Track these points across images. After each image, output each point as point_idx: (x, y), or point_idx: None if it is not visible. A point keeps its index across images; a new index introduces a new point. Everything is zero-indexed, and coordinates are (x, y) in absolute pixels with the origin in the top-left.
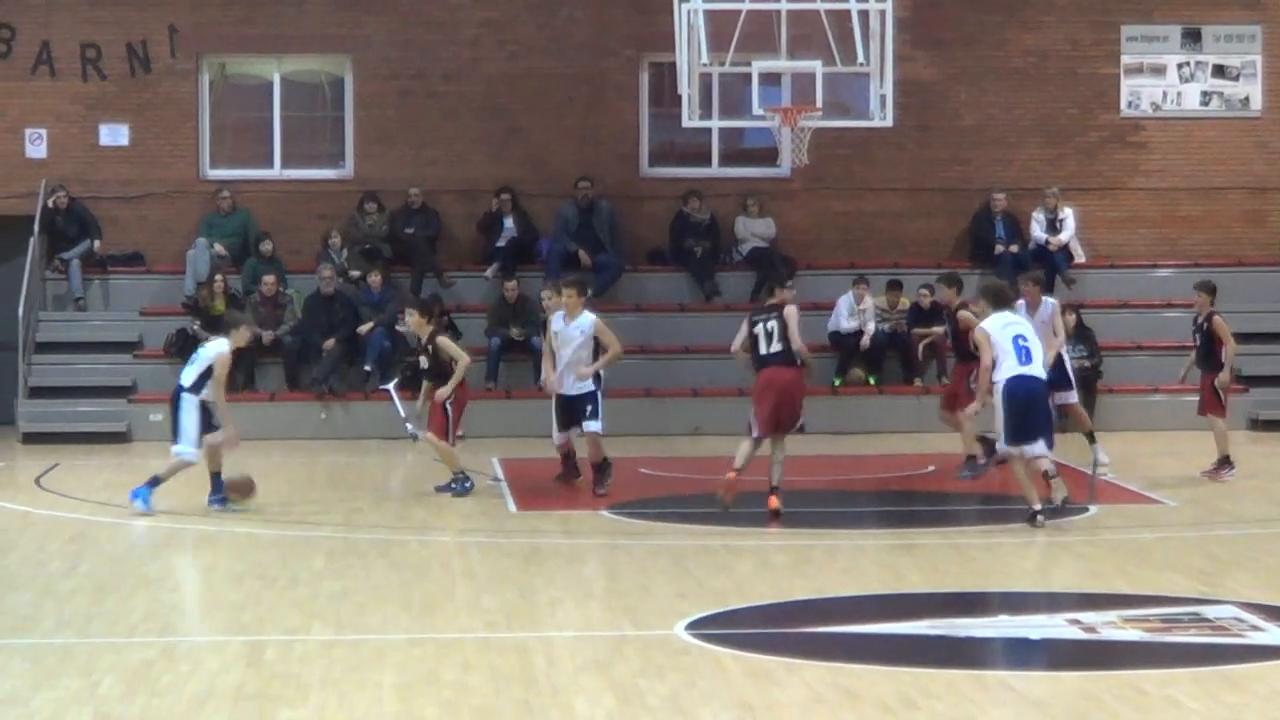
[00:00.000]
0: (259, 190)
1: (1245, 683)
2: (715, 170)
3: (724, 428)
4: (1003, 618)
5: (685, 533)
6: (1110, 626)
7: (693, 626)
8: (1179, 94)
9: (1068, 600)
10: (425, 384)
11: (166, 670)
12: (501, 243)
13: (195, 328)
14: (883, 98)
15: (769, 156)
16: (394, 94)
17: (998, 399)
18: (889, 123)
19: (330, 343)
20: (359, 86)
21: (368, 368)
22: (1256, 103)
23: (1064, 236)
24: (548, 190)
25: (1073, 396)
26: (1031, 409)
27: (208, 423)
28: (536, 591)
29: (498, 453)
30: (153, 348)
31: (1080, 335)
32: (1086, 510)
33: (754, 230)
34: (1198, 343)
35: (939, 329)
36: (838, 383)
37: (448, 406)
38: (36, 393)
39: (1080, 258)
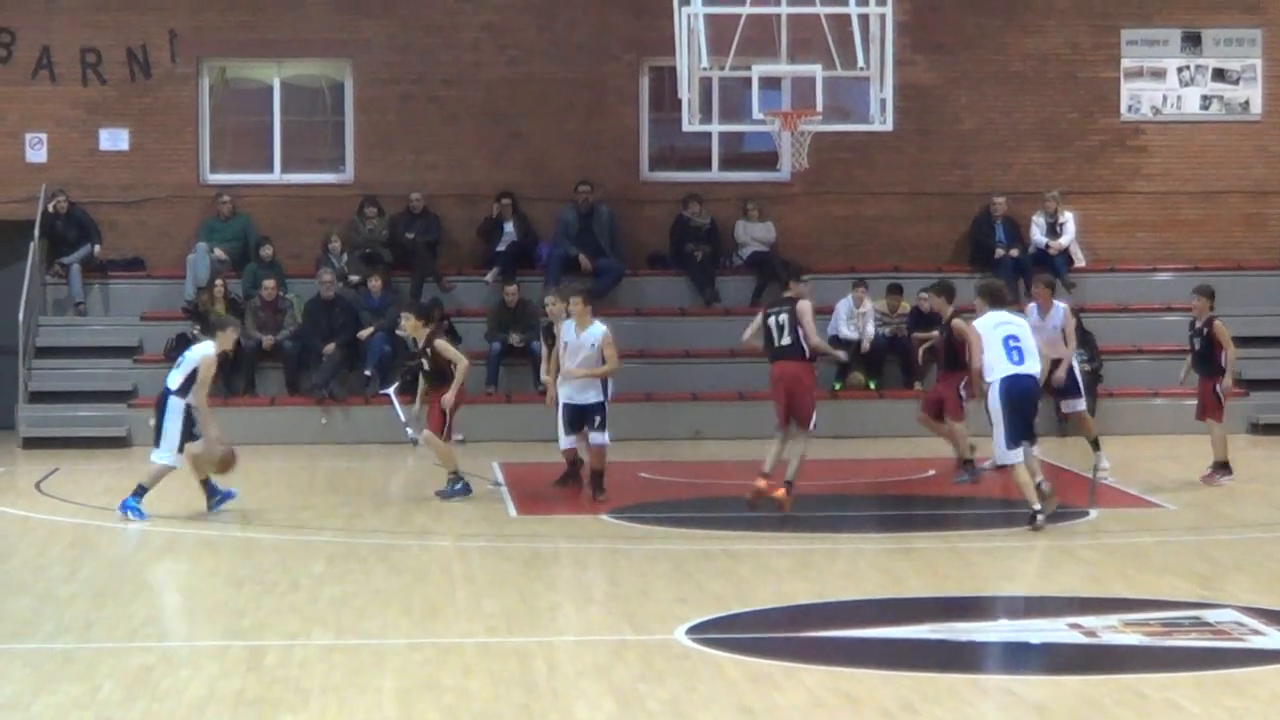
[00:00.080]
0: (259, 195)
1: (1246, 687)
2: (715, 174)
3: (724, 432)
4: (1003, 622)
5: (685, 537)
6: (1111, 630)
7: (693, 631)
8: (1179, 98)
9: (1068, 604)
10: (423, 385)
11: (167, 675)
12: (502, 247)
13: (195, 332)
14: (883, 102)
15: (769, 161)
16: (394, 98)
17: (994, 402)
18: (889, 127)
19: (330, 347)
20: (359, 91)
21: (368, 372)
22: (1256, 106)
23: (1064, 240)
24: (548, 194)
25: (1081, 404)
26: (1026, 408)
27: (190, 430)
28: (537, 596)
29: (498, 457)
30: (153, 352)
31: (1081, 339)
32: (1087, 514)
33: (754, 234)
34: (1196, 347)
35: (938, 334)
36: (838, 386)
37: (443, 402)
38: (37, 398)
39: (1080, 262)
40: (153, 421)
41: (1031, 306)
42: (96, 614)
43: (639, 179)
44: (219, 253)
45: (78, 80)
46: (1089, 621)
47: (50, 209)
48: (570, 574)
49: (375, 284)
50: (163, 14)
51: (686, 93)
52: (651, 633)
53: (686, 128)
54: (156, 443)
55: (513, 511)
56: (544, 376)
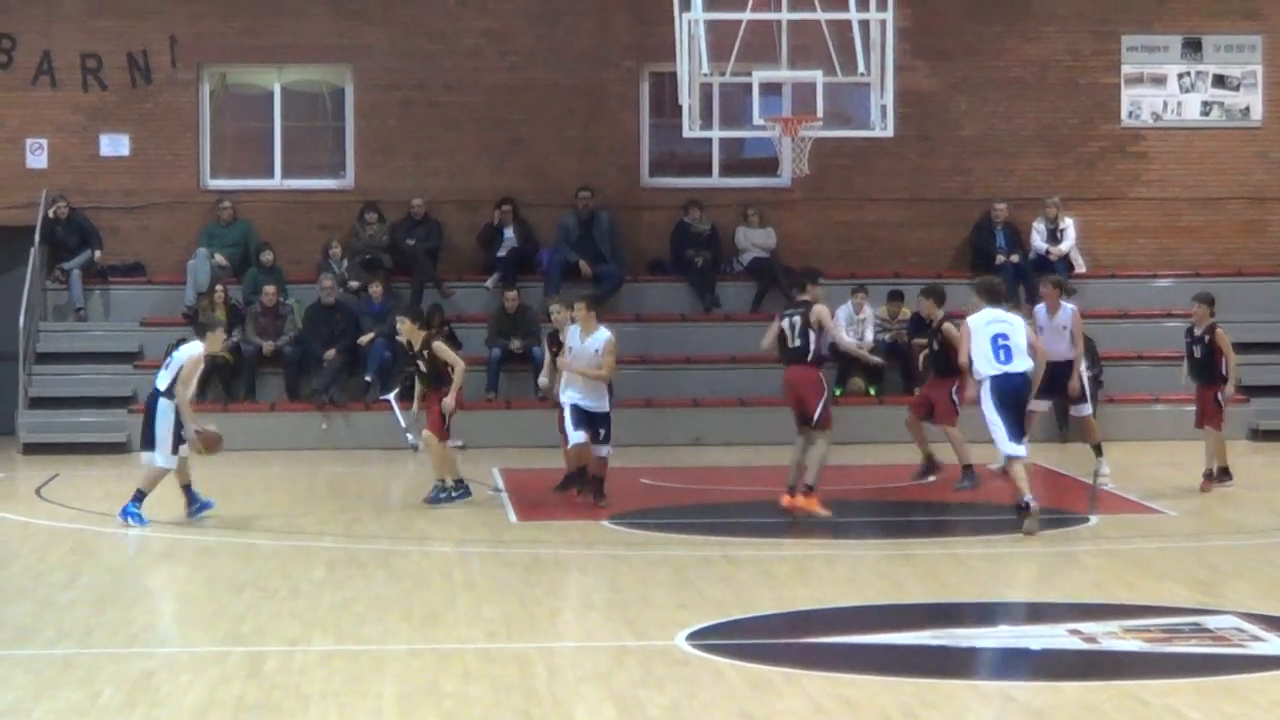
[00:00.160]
0: (259, 200)
1: (1246, 693)
2: (716, 180)
3: (725, 438)
4: (1003, 628)
5: (686, 543)
6: (1111, 637)
7: (693, 637)
8: (1179, 104)
9: (1068, 610)
10: (419, 388)
11: (167, 681)
12: (502, 253)
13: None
14: (883, 108)
15: (770, 166)
16: (395, 104)
17: (985, 403)
18: (890, 133)
19: (331, 353)
20: (360, 96)
21: (368, 378)
22: (1257, 113)
23: (1064, 246)
24: (548, 200)
25: (1087, 409)
26: (1015, 406)
27: (180, 431)
28: (537, 602)
29: (498, 463)
30: (153, 358)
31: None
32: (1087, 520)
33: (754, 240)
34: (1197, 355)
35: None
36: (838, 392)
37: (442, 404)
38: (37, 403)
39: (1081, 268)
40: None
41: (1039, 308)
42: (97, 620)
43: (639, 185)
44: (219, 258)
45: (78, 86)
46: (1089, 627)
47: (51, 214)
48: (570, 580)
49: (376, 290)
50: (163, 20)
51: (687, 98)
52: (652, 639)
53: (687, 133)
54: (147, 445)
55: (513, 517)
56: (542, 379)
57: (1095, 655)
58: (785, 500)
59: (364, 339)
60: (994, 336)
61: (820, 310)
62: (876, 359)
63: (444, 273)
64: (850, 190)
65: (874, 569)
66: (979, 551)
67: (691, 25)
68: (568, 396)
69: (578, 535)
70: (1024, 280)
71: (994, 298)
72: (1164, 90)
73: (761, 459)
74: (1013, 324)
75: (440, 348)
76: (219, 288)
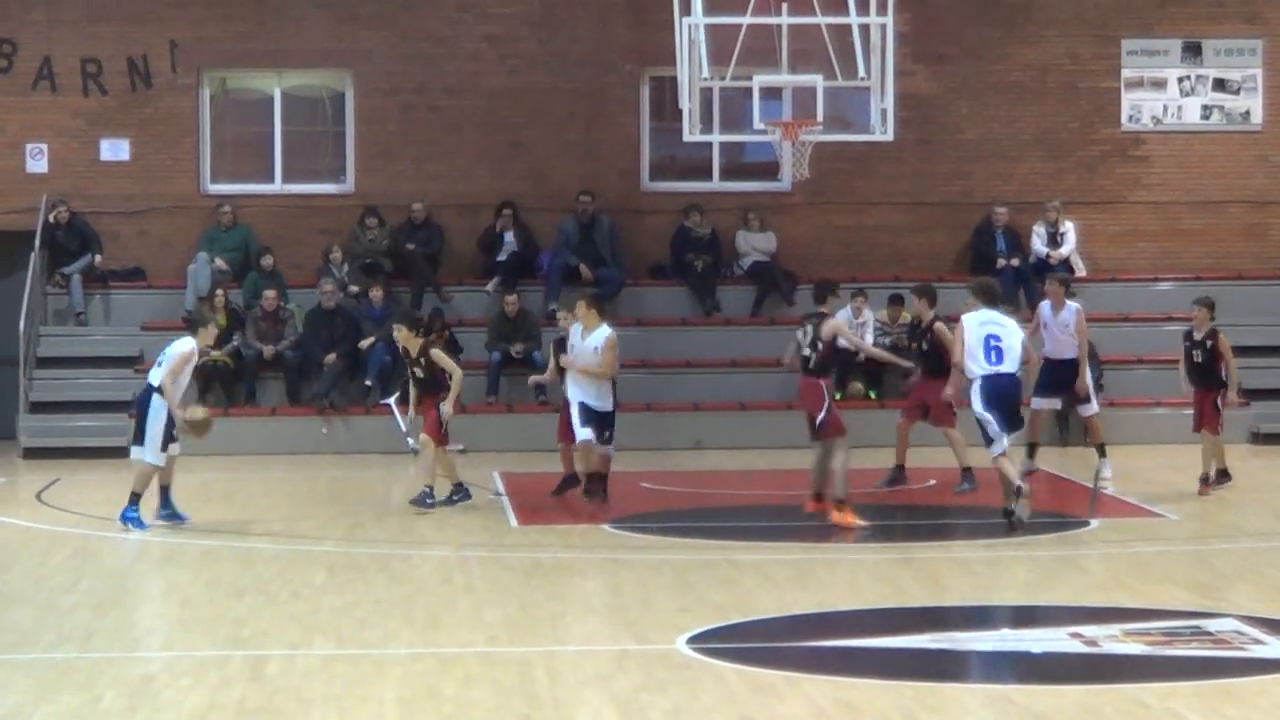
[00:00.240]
0: (260, 205)
1: (1247, 696)
2: (716, 184)
3: (725, 442)
4: (1004, 631)
5: (686, 547)
6: (1112, 640)
7: (694, 640)
8: (1179, 108)
9: (1069, 613)
10: (415, 393)
11: (168, 685)
12: (502, 257)
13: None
14: (884, 112)
15: (770, 171)
16: (395, 108)
17: (976, 403)
18: (890, 137)
19: (331, 357)
20: (360, 101)
21: (369, 382)
22: (1257, 116)
23: (1065, 250)
24: (549, 204)
25: (1093, 409)
26: (1007, 406)
27: (170, 431)
28: (538, 606)
29: (498, 467)
30: (153, 362)
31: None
32: (1088, 524)
33: (755, 244)
34: (1198, 359)
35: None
36: (838, 396)
37: (441, 406)
38: (37, 408)
39: (1081, 271)
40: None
41: (1043, 305)
42: (97, 624)
43: (640, 189)
44: (220, 263)
45: (78, 91)
46: (1090, 631)
47: (51, 219)
48: (571, 584)
49: (376, 294)
50: (163, 24)
51: (687, 103)
52: (653, 642)
53: (687, 138)
54: (138, 440)
55: (514, 521)
56: (534, 378)
57: (1096, 658)
58: (810, 506)
59: (364, 343)
60: (986, 337)
61: (831, 325)
62: (908, 362)
63: (444, 277)
64: (850, 194)
65: (874, 572)
66: (979, 555)
67: (692, 29)
68: (573, 395)
69: (578, 539)
70: (1024, 284)
71: (990, 299)
72: (1164, 94)
73: (762, 463)
74: (1007, 326)
75: (438, 355)
76: (219, 292)
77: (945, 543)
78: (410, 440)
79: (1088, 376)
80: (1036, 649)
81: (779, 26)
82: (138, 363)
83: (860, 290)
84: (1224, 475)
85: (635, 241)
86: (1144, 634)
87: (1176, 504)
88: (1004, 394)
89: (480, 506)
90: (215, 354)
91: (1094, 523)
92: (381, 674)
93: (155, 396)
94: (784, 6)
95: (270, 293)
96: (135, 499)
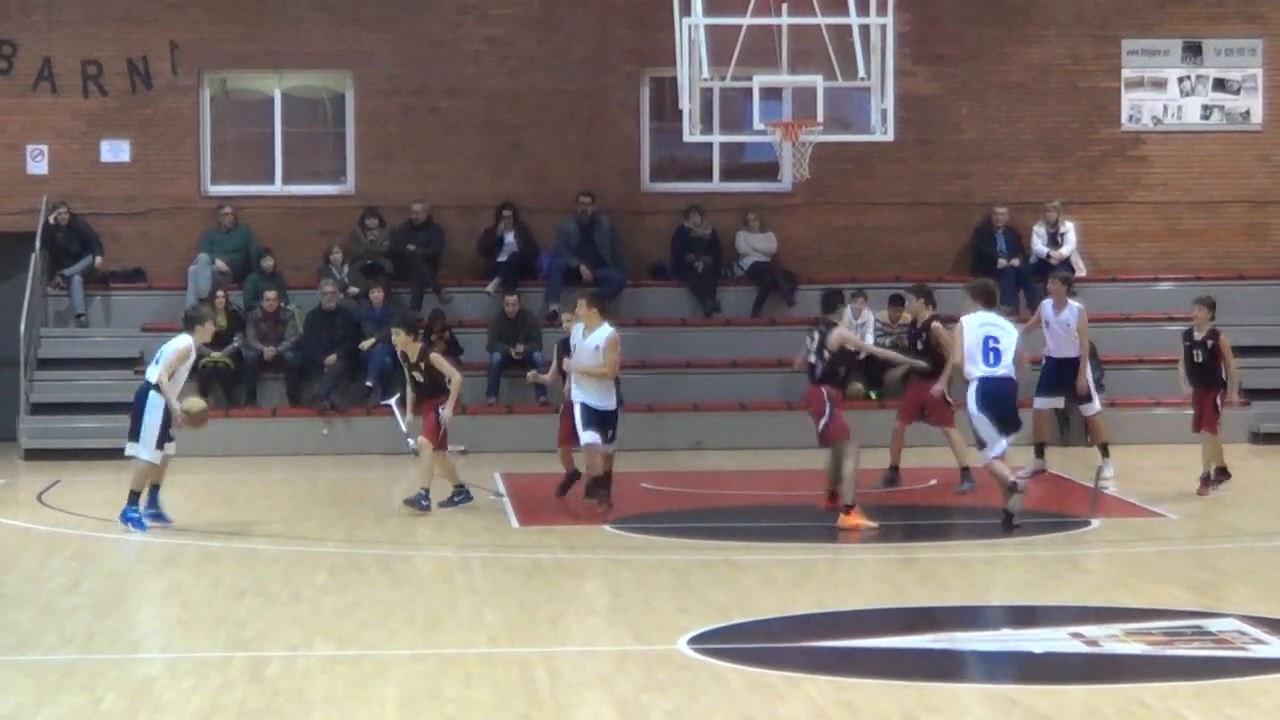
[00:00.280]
0: (260, 206)
1: (1248, 696)
2: (716, 185)
3: (725, 442)
4: (1005, 631)
5: (687, 547)
6: (1113, 640)
7: (695, 641)
8: (1180, 108)
9: (1070, 613)
10: (413, 396)
11: (169, 687)
12: (503, 258)
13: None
14: (884, 112)
15: (770, 171)
16: (395, 109)
17: (971, 404)
18: (890, 137)
19: (332, 358)
20: (360, 102)
21: (369, 383)
22: (1257, 116)
23: (1065, 250)
24: (549, 205)
25: (1095, 408)
26: (1003, 408)
27: (167, 430)
28: (539, 606)
29: (499, 467)
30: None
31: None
32: (1088, 524)
33: (755, 245)
34: (1199, 359)
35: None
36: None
37: (440, 412)
38: (38, 409)
39: (1081, 271)
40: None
41: (1045, 303)
42: (99, 625)
43: (640, 190)
44: (220, 264)
45: (79, 92)
46: (1091, 631)
47: (51, 221)
48: (572, 584)
49: (377, 295)
50: (163, 26)
51: (687, 103)
52: (654, 643)
53: (687, 138)
54: (133, 436)
55: (514, 522)
56: (543, 375)
57: (1097, 658)
58: (823, 504)
59: (365, 344)
60: (985, 338)
61: (838, 334)
62: (921, 363)
63: (445, 278)
64: (851, 195)
65: (875, 572)
66: (980, 555)
67: (692, 30)
68: (575, 395)
69: (579, 540)
70: (1024, 284)
71: (988, 300)
72: (1164, 94)
73: (762, 463)
74: (1004, 328)
75: (437, 359)
76: (220, 293)
77: (946, 543)
78: (411, 441)
79: (1089, 376)
80: (1037, 649)
81: (779, 27)
82: (138, 364)
83: (860, 291)
84: (1223, 473)
85: (635, 242)
86: (1145, 634)
87: (1177, 504)
88: (1001, 396)
89: (481, 507)
90: (216, 355)
91: (1095, 522)
92: (382, 675)
93: (152, 393)
94: (784, 7)
95: (271, 294)
96: (134, 498)
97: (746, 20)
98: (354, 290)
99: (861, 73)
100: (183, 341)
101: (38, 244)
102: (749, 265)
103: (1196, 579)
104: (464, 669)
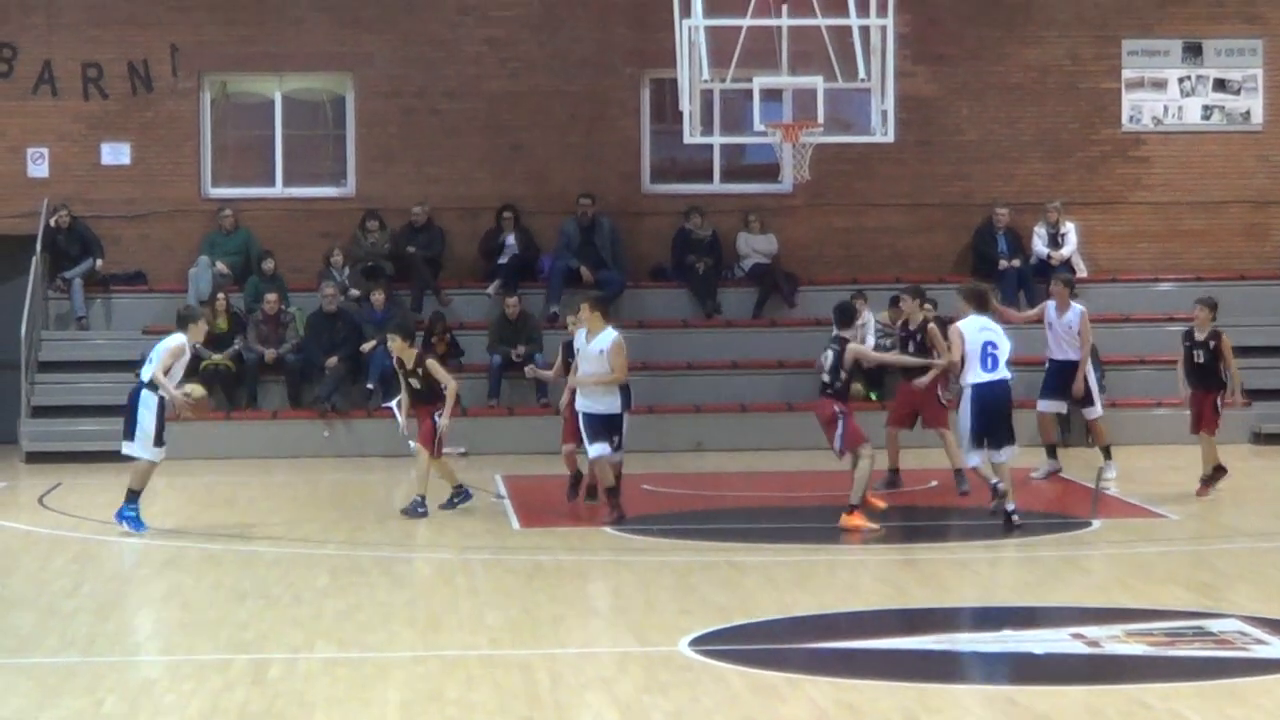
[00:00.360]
0: (261, 208)
1: (1249, 696)
2: (717, 186)
3: (726, 444)
4: (1006, 632)
5: (688, 549)
6: (1114, 640)
7: (696, 642)
8: (1180, 108)
9: (1071, 614)
10: (407, 401)
11: (170, 689)
12: (503, 260)
13: (198, 345)
14: (884, 113)
15: (770, 172)
16: (396, 112)
17: (965, 404)
18: (890, 138)
19: (333, 361)
20: (361, 104)
21: (370, 385)
22: (1258, 116)
23: (1066, 251)
24: (549, 207)
25: (1096, 411)
26: (998, 414)
27: (161, 430)
28: (540, 608)
29: (500, 469)
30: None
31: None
32: (1090, 525)
33: (756, 246)
34: (1200, 360)
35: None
36: None
37: (436, 418)
38: (39, 412)
39: (1082, 272)
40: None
41: (1049, 304)
42: (100, 628)
43: (640, 191)
44: (221, 267)
45: (79, 95)
46: (1092, 631)
47: (52, 224)
48: (573, 586)
49: (377, 297)
50: (164, 28)
51: (688, 105)
52: (655, 644)
53: (688, 140)
54: (128, 436)
55: (515, 524)
56: (544, 370)
57: (1098, 659)
58: (880, 501)
59: (366, 346)
60: (984, 344)
61: (853, 350)
62: (939, 362)
63: (445, 280)
64: (851, 196)
65: (876, 574)
66: (981, 556)
67: (692, 31)
68: (580, 405)
69: (580, 541)
70: (1025, 285)
71: (980, 304)
72: (1165, 94)
73: (763, 464)
74: (999, 332)
75: (433, 365)
76: (220, 296)
77: (946, 544)
78: (412, 443)
79: (1091, 379)
80: (1038, 650)
81: (779, 28)
82: (139, 367)
83: (860, 292)
84: (1220, 470)
85: (636, 244)
86: (1146, 634)
87: (1178, 504)
88: (998, 400)
89: (482, 509)
90: (217, 357)
91: (1096, 523)
92: (384, 677)
93: (145, 392)
94: (784, 8)
95: (271, 296)
96: (133, 497)
97: (746, 21)
98: (355, 292)
99: (862, 74)
100: (175, 340)
101: (38, 247)
102: (749, 266)
103: (1197, 580)
104: (465, 671)
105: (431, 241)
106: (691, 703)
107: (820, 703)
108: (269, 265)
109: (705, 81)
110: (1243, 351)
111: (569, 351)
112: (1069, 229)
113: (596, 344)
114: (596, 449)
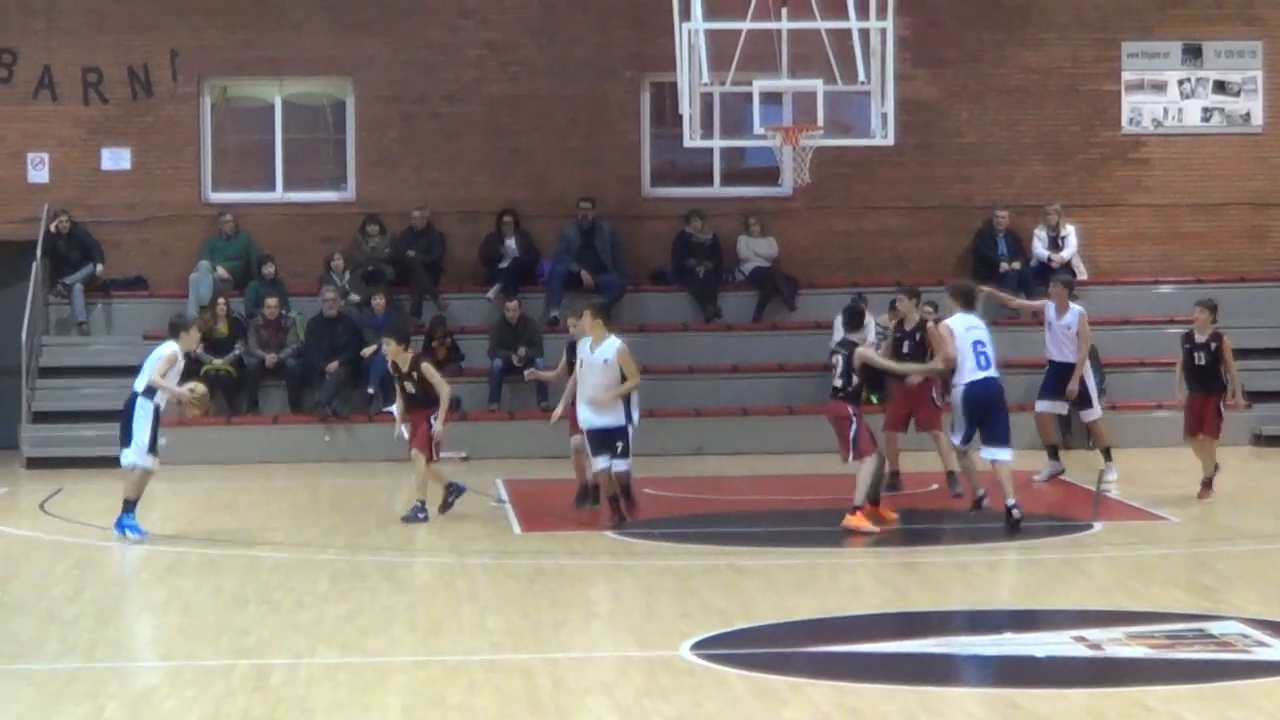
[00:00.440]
0: (261, 213)
1: (1250, 698)
2: (717, 190)
3: (726, 448)
4: (1007, 635)
5: (689, 553)
6: (1115, 643)
7: (698, 646)
8: (1180, 110)
9: (1072, 617)
10: (401, 406)
11: (171, 695)
12: (504, 264)
13: (198, 351)
14: (884, 116)
15: (771, 176)
16: (396, 116)
17: (956, 402)
18: (890, 141)
19: (333, 365)
20: (361, 108)
21: (371, 390)
22: (1257, 118)
23: (1066, 253)
24: (550, 211)
25: (1095, 413)
26: (990, 412)
27: (157, 433)
28: (541, 613)
29: (501, 474)
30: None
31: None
32: (1090, 527)
33: (756, 250)
34: (1202, 362)
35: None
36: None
37: (432, 422)
38: (40, 417)
39: (1082, 274)
40: (161, 441)
41: (1048, 305)
42: (101, 634)
43: (640, 195)
44: (221, 271)
45: (79, 100)
46: (1093, 634)
47: (52, 229)
48: (574, 590)
49: (378, 302)
50: (164, 33)
51: (688, 108)
52: (656, 649)
53: (688, 143)
54: (125, 443)
55: (516, 528)
56: (545, 371)
57: (1100, 662)
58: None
59: (366, 351)
60: (974, 343)
61: (861, 354)
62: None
63: (445, 284)
64: (851, 199)
65: (877, 577)
66: (982, 559)
67: (692, 35)
68: (583, 419)
69: (581, 545)
70: (1025, 288)
71: (967, 302)
72: (1164, 96)
73: (764, 468)
74: (986, 330)
75: (428, 370)
76: (221, 301)
77: (947, 547)
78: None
79: (1090, 381)
80: (1040, 653)
81: (779, 31)
82: (139, 372)
83: (860, 295)
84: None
85: (636, 247)
86: (1147, 637)
87: (1178, 507)
88: (990, 397)
89: (483, 513)
90: (217, 362)
91: (1096, 526)
92: (385, 682)
93: (140, 400)
94: (784, 11)
95: (272, 301)
96: (129, 506)
97: (746, 25)
98: (355, 297)
99: (861, 77)
100: (168, 348)
101: (39, 252)
102: (750, 270)
103: (1198, 582)
104: (467, 675)
105: (432, 246)
106: (693, 707)
107: (822, 707)
108: (269, 270)
109: (705, 85)
110: (1243, 354)
111: (572, 352)
112: (1069, 231)
113: (600, 353)
114: (600, 463)
